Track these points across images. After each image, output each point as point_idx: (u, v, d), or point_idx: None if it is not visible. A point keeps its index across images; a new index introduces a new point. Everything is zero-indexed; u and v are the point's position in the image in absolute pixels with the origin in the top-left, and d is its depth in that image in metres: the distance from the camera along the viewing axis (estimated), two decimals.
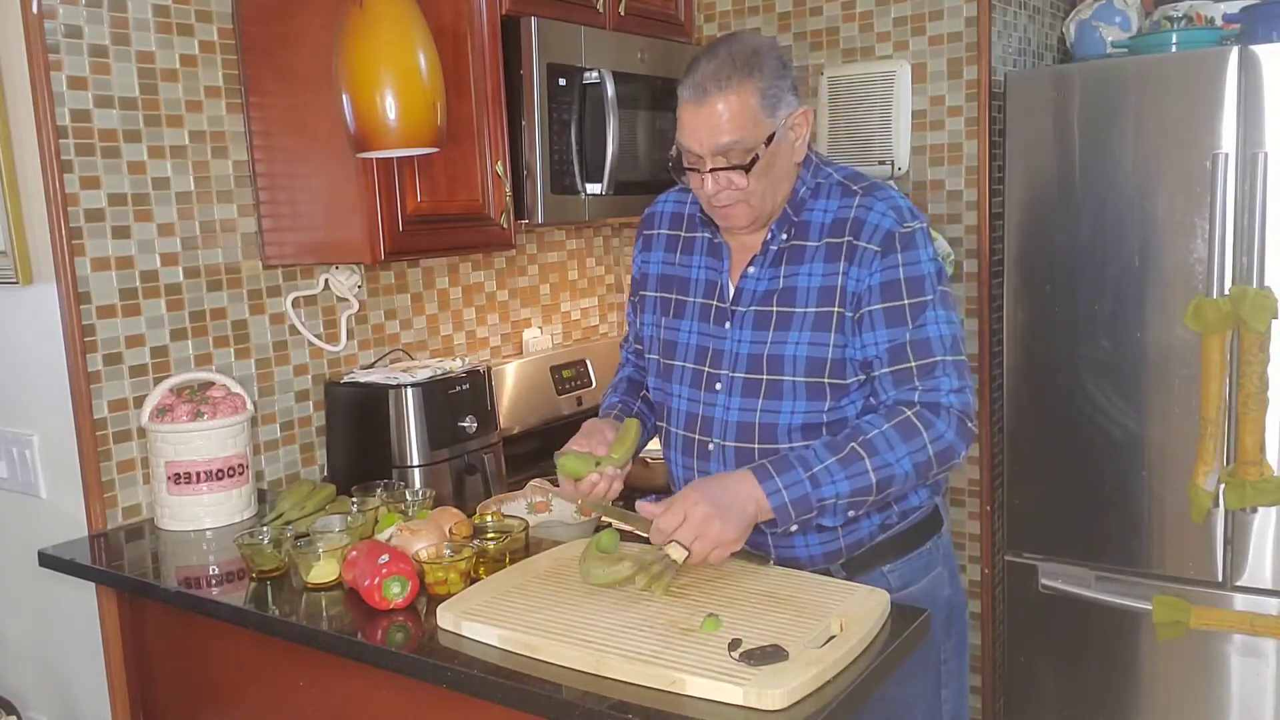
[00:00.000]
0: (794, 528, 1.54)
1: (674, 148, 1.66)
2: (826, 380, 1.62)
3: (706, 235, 1.75)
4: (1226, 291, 2.31)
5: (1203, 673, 2.48)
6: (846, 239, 1.62)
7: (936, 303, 1.59)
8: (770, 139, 1.58)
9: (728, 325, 1.69)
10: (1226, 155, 2.28)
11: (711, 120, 1.56)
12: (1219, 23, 2.67)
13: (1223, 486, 2.36)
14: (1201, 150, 2.32)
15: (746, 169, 1.57)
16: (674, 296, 1.78)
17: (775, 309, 1.65)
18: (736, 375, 1.67)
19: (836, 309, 1.60)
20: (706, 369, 1.71)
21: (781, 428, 1.65)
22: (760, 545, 1.68)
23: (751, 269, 1.68)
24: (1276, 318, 2.27)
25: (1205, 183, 2.32)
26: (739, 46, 1.59)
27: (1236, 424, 2.34)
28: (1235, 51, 2.27)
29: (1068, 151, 2.50)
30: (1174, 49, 2.56)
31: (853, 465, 1.51)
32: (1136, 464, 2.50)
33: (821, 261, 1.63)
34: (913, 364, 1.57)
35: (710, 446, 1.71)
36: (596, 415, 1.88)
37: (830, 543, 1.68)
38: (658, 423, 1.84)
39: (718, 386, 1.69)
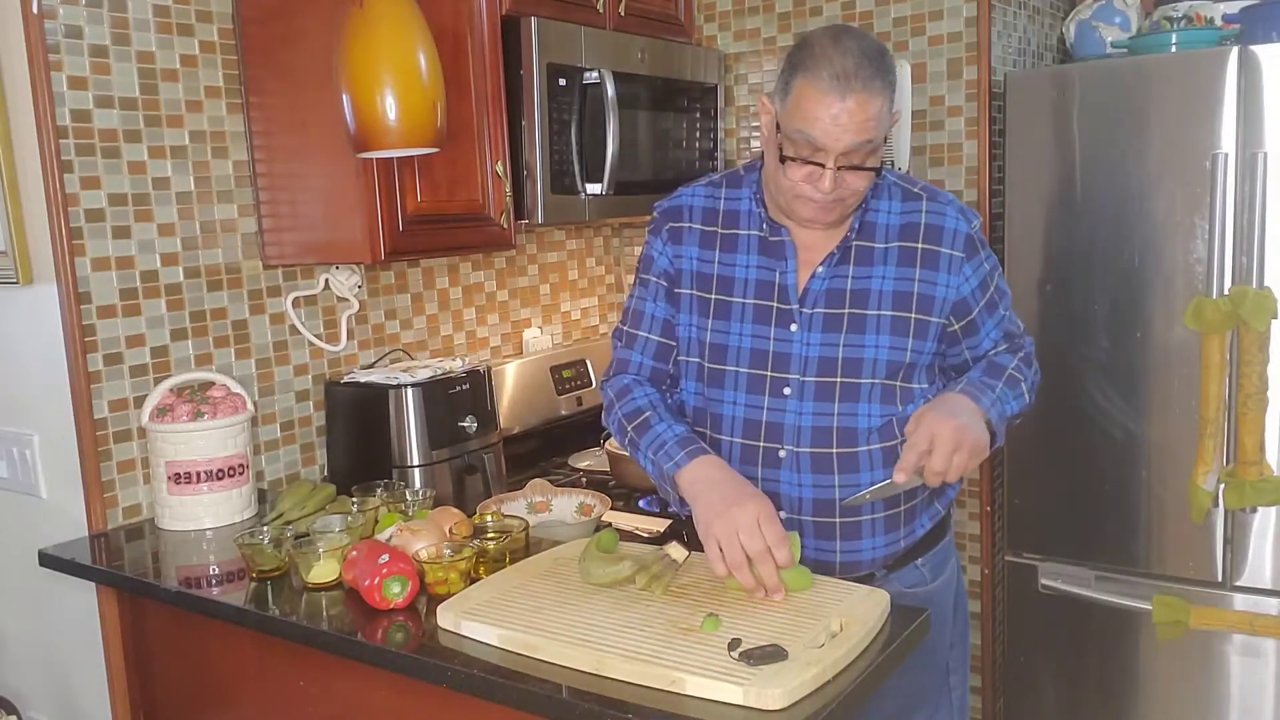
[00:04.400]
0: (997, 444, 1.58)
1: (776, 130, 1.55)
2: (899, 384, 1.63)
3: (757, 234, 1.67)
4: (1226, 291, 2.31)
5: (1203, 673, 2.48)
6: (923, 245, 1.61)
7: (1004, 278, 1.73)
8: (886, 140, 1.56)
9: (793, 327, 1.63)
10: (1226, 155, 2.28)
11: (854, 118, 1.48)
12: (1219, 23, 2.67)
13: (1222, 486, 2.36)
14: (1201, 150, 2.32)
15: (877, 171, 1.54)
16: (715, 296, 1.69)
17: (848, 311, 1.61)
18: (809, 379, 1.62)
19: (915, 315, 1.61)
20: (769, 373, 1.64)
21: (861, 431, 1.63)
22: (827, 550, 1.67)
23: (821, 269, 1.63)
24: (1276, 318, 2.27)
25: (1205, 183, 2.32)
26: (869, 44, 1.51)
27: (1236, 424, 2.34)
28: (1235, 51, 2.27)
29: (1068, 152, 2.50)
30: (1174, 49, 2.56)
31: (1014, 388, 1.63)
32: (1136, 464, 2.50)
33: (895, 265, 1.62)
34: (1016, 334, 1.72)
35: (781, 454, 1.65)
36: (599, 420, 1.82)
37: (893, 545, 1.68)
38: (696, 429, 1.71)
39: (786, 391, 1.63)
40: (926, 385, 1.67)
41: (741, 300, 1.67)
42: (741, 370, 1.67)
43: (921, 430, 1.48)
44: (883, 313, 1.61)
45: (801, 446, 1.64)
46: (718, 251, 1.70)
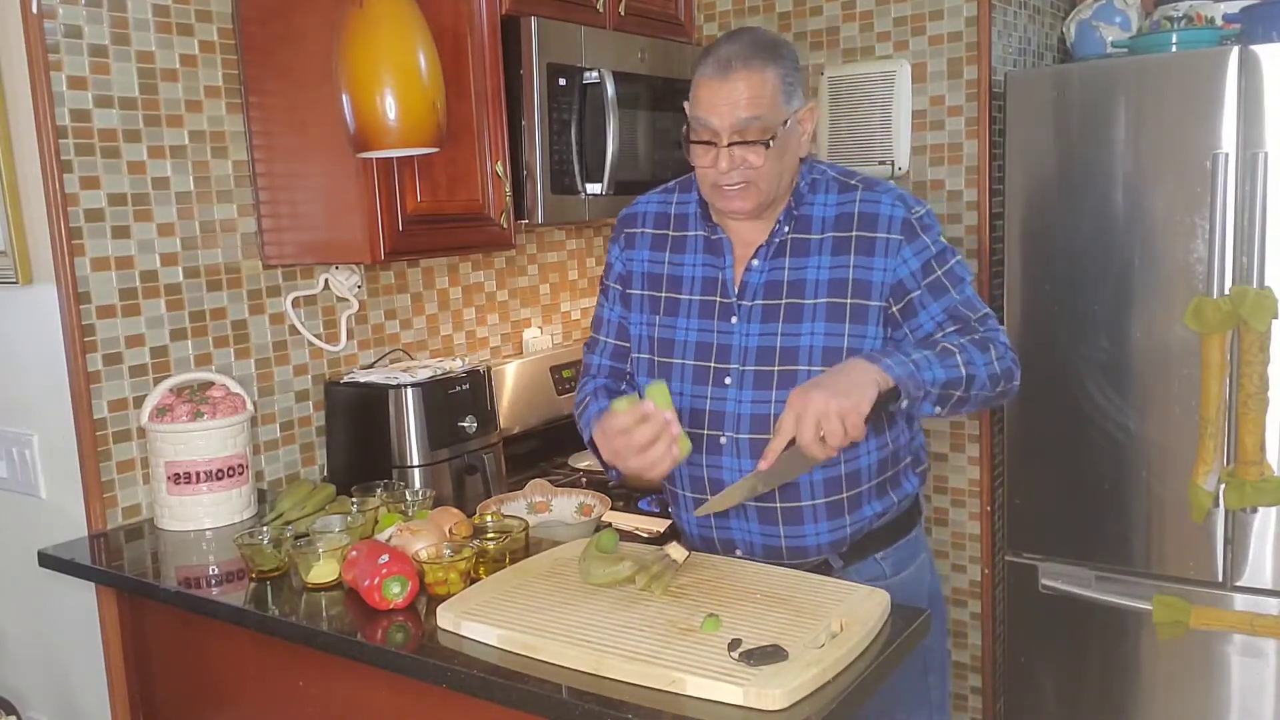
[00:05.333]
0: (904, 403, 1.55)
1: (685, 126, 1.67)
2: None
3: (703, 234, 1.76)
4: (1226, 291, 2.31)
5: (1203, 673, 2.48)
6: (857, 233, 1.67)
7: (962, 265, 1.70)
8: (785, 124, 1.62)
9: (734, 319, 1.70)
10: (1226, 155, 2.28)
11: (735, 95, 1.58)
12: (1219, 23, 2.67)
13: (1223, 486, 2.36)
14: (1201, 150, 2.32)
15: (766, 144, 1.60)
16: (665, 295, 1.78)
17: (784, 301, 1.68)
18: (747, 369, 1.69)
19: (852, 300, 1.65)
20: (712, 364, 1.71)
21: None
22: (771, 535, 1.72)
23: (755, 262, 1.70)
24: (1276, 318, 2.27)
25: (1205, 183, 2.32)
26: (761, 34, 1.66)
27: (1236, 424, 2.34)
28: (1235, 51, 2.27)
29: (1068, 151, 2.50)
30: (1174, 49, 2.56)
31: (947, 359, 1.59)
32: (1136, 464, 2.50)
33: (829, 254, 1.67)
34: (971, 317, 1.67)
35: (722, 440, 1.71)
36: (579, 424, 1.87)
37: (838, 530, 1.71)
38: None
39: (727, 381, 1.70)
40: None
41: (689, 297, 1.76)
42: (687, 363, 1.74)
43: (785, 414, 1.51)
44: (818, 301, 1.66)
45: (741, 433, 1.69)
46: (667, 253, 1.80)
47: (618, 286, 1.84)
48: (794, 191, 1.69)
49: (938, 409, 1.60)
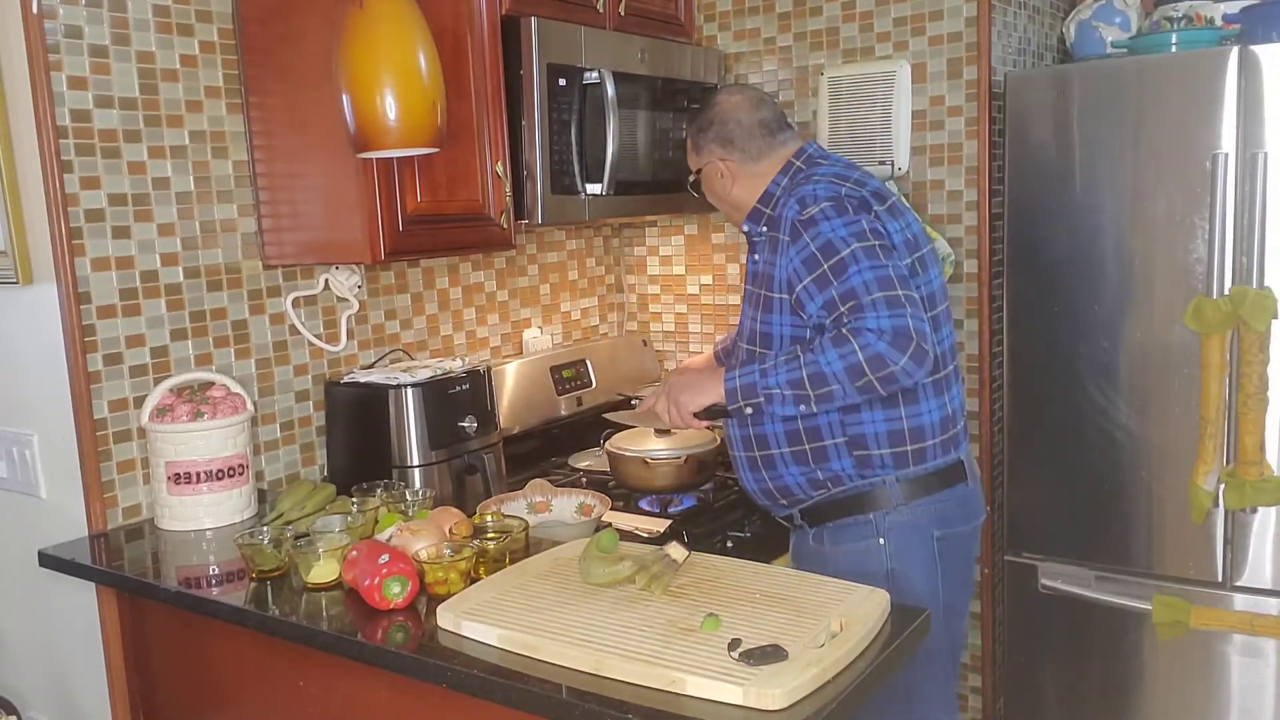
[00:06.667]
0: (749, 410, 1.86)
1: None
2: (759, 349, 1.97)
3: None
4: (1226, 291, 2.31)
5: (1203, 673, 2.48)
6: (771, 233, 1.96)
7: (855, 256, 1.81)
8: (699, 170, 2.11)
9: (744, 304, 2.05)
10: (1226, 155, 2.28)
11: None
12: (1219, 23, 2.67)
13: (1223, 486, 2.36)
14: (1201, 150, 2.32)
15: (691, 183, 2.15)
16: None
17: (748, 288, 2.03)
18: (744, 345, 2.02)
19: (763, 291, 1.95)
20: (742, 343, 2.05)
21: (729, 387, 1.95)
22: (761, 480, 2.03)
23: (757, 256, 2.01)
24: (1276, 318, 2.27)
25: (1205, 183, 2.32)
26: (702, 109, 2.12)
27: (1236, 424, 2.34)
28: (1235, 51, 2.27)
29: (1068, 151, 2.50)
30: (1174, 49, 2.56)
31: (791, 362, 1.81)
32: (1136, 464, 2.50)
33: (766, 251, 1.97)
34: (842, 309, 1.80)
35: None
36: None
37: (762, 483, 2.02)
38: None
39: (742, 356, 2.03)
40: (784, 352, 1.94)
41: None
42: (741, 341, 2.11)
43: (660, 386, 2.02)
44: (753, 290, 2.00)
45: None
46: None
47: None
48: (770, 197, 2.00)
49: (801, 407, 1.82)
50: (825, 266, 1.82)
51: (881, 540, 1.94)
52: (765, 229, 1.98)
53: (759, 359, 1.88)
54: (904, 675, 1.81)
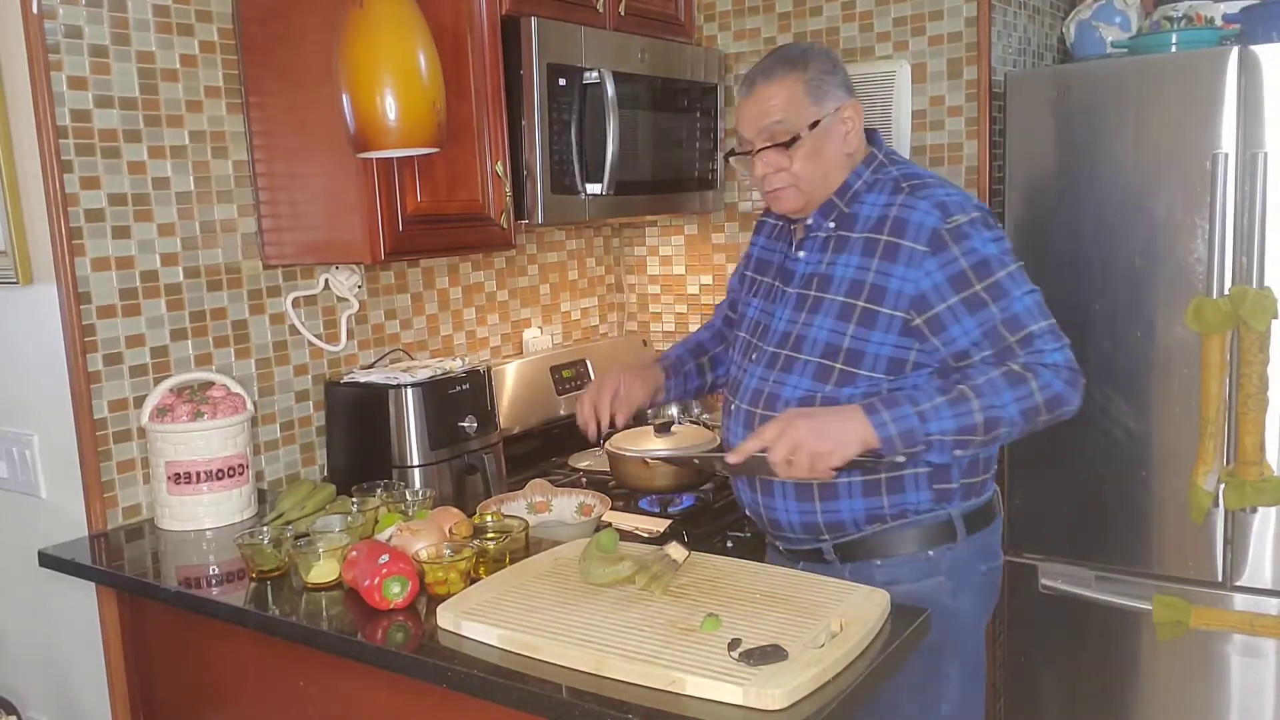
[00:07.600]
0: (900, 458, 1.62)
1: (734, 143, 1.84)
2: (838, 365, 1.71)
3: (781, 222, 1.91)
4: (1226, 291, 2.31)
5: (1203, 673, 2.48)
6: (886, 238, 1.69)
7: (1014, 278, 1.65)
8: (815, 124, 1.72)
9: (776, 303, 1.82)
10: (1226, 155, 2.28)
11: (758, 107, 1.74)
12: (1219, 23, 2.67)
13: (1223, 486, 2.36)
14: (1201, 150, 2.32)
15: (787, 145, 1.72)
16: (753, 275, 1.94)
17: (812, 293, 1.76)
18: (769, 348, 1.80)
19: (864, 303, 1.69)
20: (755, 340, 1.84)
21: (782, 399, 1.75)
22: (808, 511, 1.77)
23: (802, 253, 1.80)
24: (1276, 318, 2.27)
25: (1205, 183, 2.32)
26: (788, 48, 1.80)
27: (1236, 424, 2.34)
28: (1235, 51, 2.27)
29: (1068, 151, 2.50)
30: (1174, 49, 2.56)
31: (959, 405, 1.58)
32: (1136, 464, 2.50)
33: (858, 255, 1.72)
34: (1011, 340, 1.63)
35: (733, 407, 1.85)
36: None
37: (808, 515, 1.77)
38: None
39: (754, 356, 1.83)
40: (882, 375, 1.69)
41: (765, 280, 1.90)
42: (741, 336, 1.91)
43: (771, 424, 1.61)
44: (836, 298, 1.72)
45: (743, 403, 1.82)
46: (776, 240, 1.94)
47: (741, 271, 2.03)
48: (848, 189, 1.76)
49: (957, 452, 1.61)
50: (979, 286, 1.62)
51: (943, 578, 1.76)
52: (833, 225, 1.76)
53: (908, 399, 1.60)
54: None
